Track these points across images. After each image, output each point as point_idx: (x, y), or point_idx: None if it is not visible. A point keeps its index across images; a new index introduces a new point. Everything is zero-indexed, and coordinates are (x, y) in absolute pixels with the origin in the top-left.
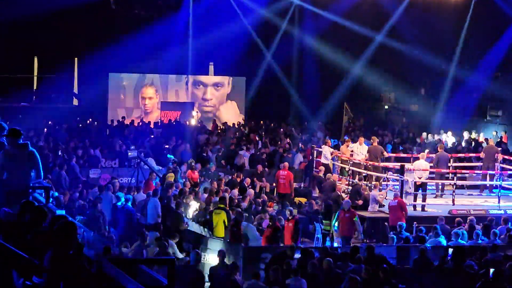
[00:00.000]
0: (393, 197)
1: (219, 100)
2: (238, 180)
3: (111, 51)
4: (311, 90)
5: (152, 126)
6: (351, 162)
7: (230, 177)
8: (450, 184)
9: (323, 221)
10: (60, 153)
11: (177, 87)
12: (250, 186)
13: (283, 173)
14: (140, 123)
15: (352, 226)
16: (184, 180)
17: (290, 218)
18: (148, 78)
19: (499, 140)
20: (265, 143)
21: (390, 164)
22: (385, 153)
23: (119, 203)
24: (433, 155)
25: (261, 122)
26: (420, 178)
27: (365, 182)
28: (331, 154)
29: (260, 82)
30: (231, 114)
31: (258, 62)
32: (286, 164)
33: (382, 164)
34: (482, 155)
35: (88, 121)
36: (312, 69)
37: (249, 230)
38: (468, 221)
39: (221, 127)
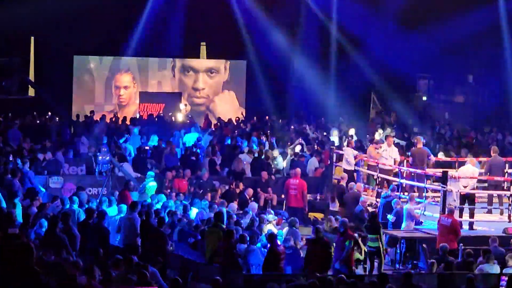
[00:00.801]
0: (446, 213)
1: (213, 89)
2: (238, 190)
3: (77, 29)
4: (328, 77)
5: (128, 122)
6: (379, 168)
7: (227, 187)
8: (505, 196)
9: (370, 235)
10: (11, 157)
11: (160, 73)
12: (252, 199)
13: (294, 181)
14: (113, 119)
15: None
16: (169, 190)
17: (316, 238)
18: (123, 62)
19: None
20: (271, 144)
21: (430, 171)
22: (432, 157)
23: (89, 220)
24: (485, 160)
25: (266, 117)
26: (466, 187)
27: (397, 193)
28: (355, 158)
29: (265, 67)
30: (229, 107)
31: (262, 41)
32: (298, 170)
33: (422, 171)
34: None
35: (47, 116)
36: (329, 51)
37: (251, 254)
38: None
39: (216, 124)
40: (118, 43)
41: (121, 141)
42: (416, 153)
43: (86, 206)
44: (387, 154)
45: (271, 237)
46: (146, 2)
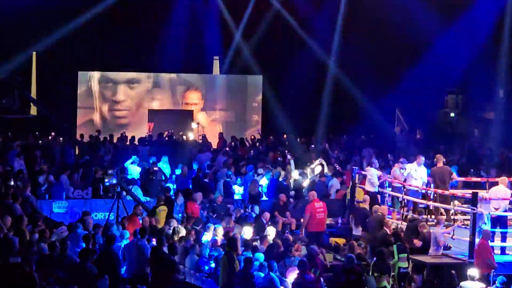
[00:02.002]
0: (481, 236)
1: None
2: (254, 215)
3: (80, 43)
4: (348, 91)
5: (136, 142)
6: (405, 190)
7: (242, 211)
8: None
9: (399, 255)
10: (12, 181)
11: (169, 90)
12: (269, 223)
13: (319, 204)
14: (121, 139)
15: None
16: (181, 215)
17: (350, 268)
18: (132, 78)
19: None
20: (289, 165)
21: (458, 192)
22: (454, 175)
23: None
24: None
25: (284, 136)
26: (497, 209)
27: (424, 216)
28: (379, 178)
29: (282, 82)
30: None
31: (280, 55)
32: (314, 193)
33: (448, 191)
34: None
35: (50, 137)
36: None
37: (269, 283)
38: None
39: (230, 143)
40: (127, 57)
41: (129, 162)
42: (437, 173)
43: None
44: (416, 174)
45: (302, 264)
46: (155, 16)
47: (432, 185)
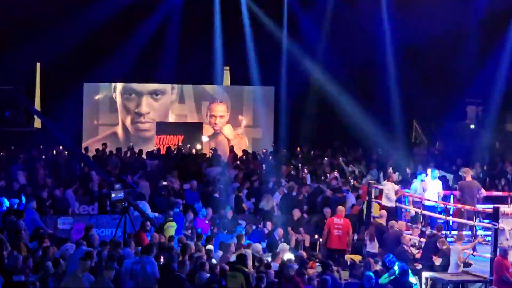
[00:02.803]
0: (498, 254)
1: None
2: (266, 231)
3: (86, 53)
4: (364, 101)
5: (144, 156)
6: (422, 205)
7: (254, 227)
8: None
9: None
10: (15, 196)
11: (177, 102)
12: (282, 240)
13: (338, 221)
14: (128, 153)
15: None
16: (189, 231)
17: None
18: (138, 90)
19: None
20: (302, 179)
21: (479, 207)
22: (483, 190)
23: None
24: None
25: (298, 149)
26: None
27: (443, 232)
28: (396, 193)
29: (294, 93)
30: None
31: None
32: (342, 209)
33: (469, 207)
34: None
35: (54, 151)
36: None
37: None
38: None
39: (242, 157)
40: (131, 68)
41: (136, 177)
42: (466, 187)
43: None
44: (432, 188)
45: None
46: (161, 27)
47: (450, 199)
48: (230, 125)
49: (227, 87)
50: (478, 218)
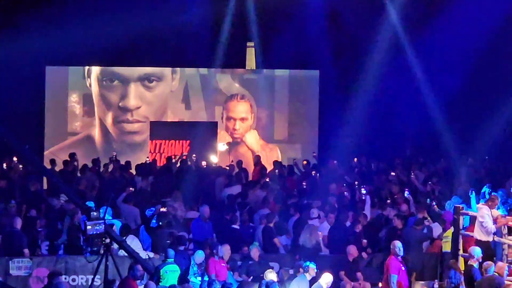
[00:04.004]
0: None
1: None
2: (309, 277)
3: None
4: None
5: (133, 171)
6: None
7: (291, 272)
8: None
9: None
10: None
11: (181, 91)
12: None
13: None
14: (110, 167)
15: None
16: (200, 278)
17: None
18: (122, 74)
19: None
20: (359, 203)
21: None
22: None
23: None
24: None
25: (355, 159)
26: None
27: None
28: (495, 222)
29: (347, 80)
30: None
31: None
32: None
33: None
34: None
35: (4, 164)
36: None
37: None
38: None
39: (272, 171)
40: (113, 48)
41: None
42: None
43: None
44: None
45: None
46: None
47: None
48: (256, 131)
49: (251, 72)
50: None
